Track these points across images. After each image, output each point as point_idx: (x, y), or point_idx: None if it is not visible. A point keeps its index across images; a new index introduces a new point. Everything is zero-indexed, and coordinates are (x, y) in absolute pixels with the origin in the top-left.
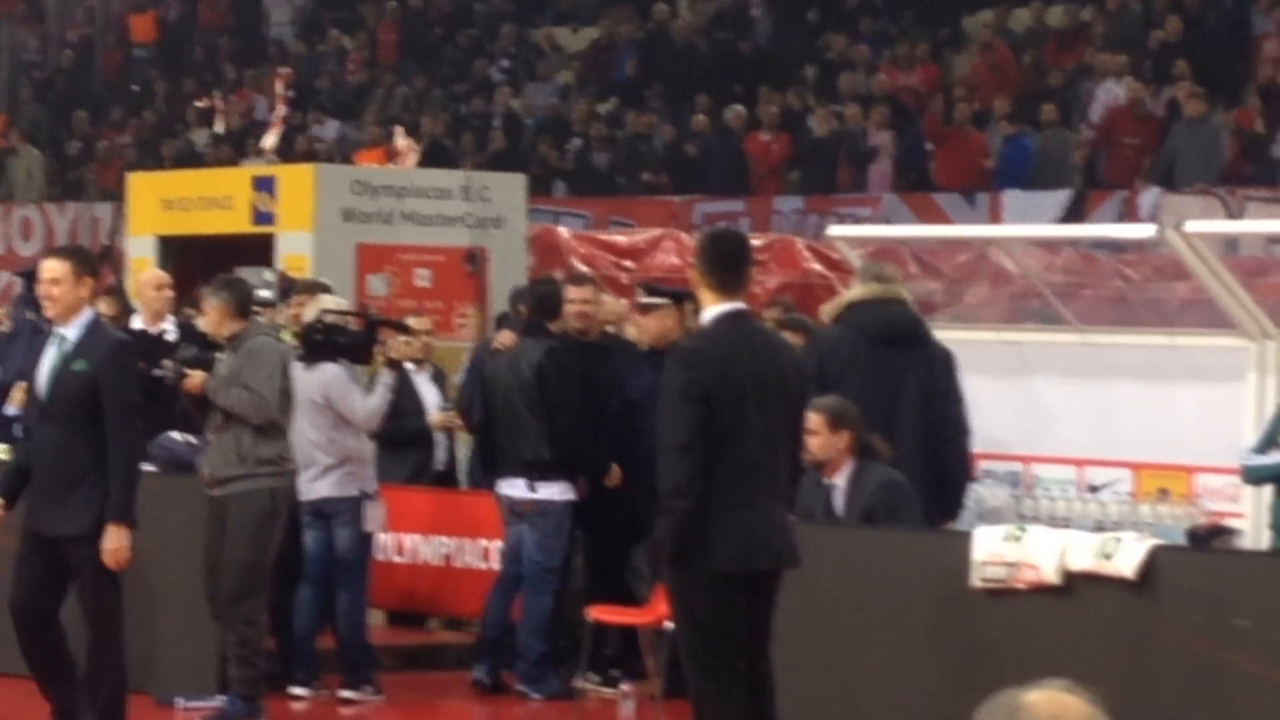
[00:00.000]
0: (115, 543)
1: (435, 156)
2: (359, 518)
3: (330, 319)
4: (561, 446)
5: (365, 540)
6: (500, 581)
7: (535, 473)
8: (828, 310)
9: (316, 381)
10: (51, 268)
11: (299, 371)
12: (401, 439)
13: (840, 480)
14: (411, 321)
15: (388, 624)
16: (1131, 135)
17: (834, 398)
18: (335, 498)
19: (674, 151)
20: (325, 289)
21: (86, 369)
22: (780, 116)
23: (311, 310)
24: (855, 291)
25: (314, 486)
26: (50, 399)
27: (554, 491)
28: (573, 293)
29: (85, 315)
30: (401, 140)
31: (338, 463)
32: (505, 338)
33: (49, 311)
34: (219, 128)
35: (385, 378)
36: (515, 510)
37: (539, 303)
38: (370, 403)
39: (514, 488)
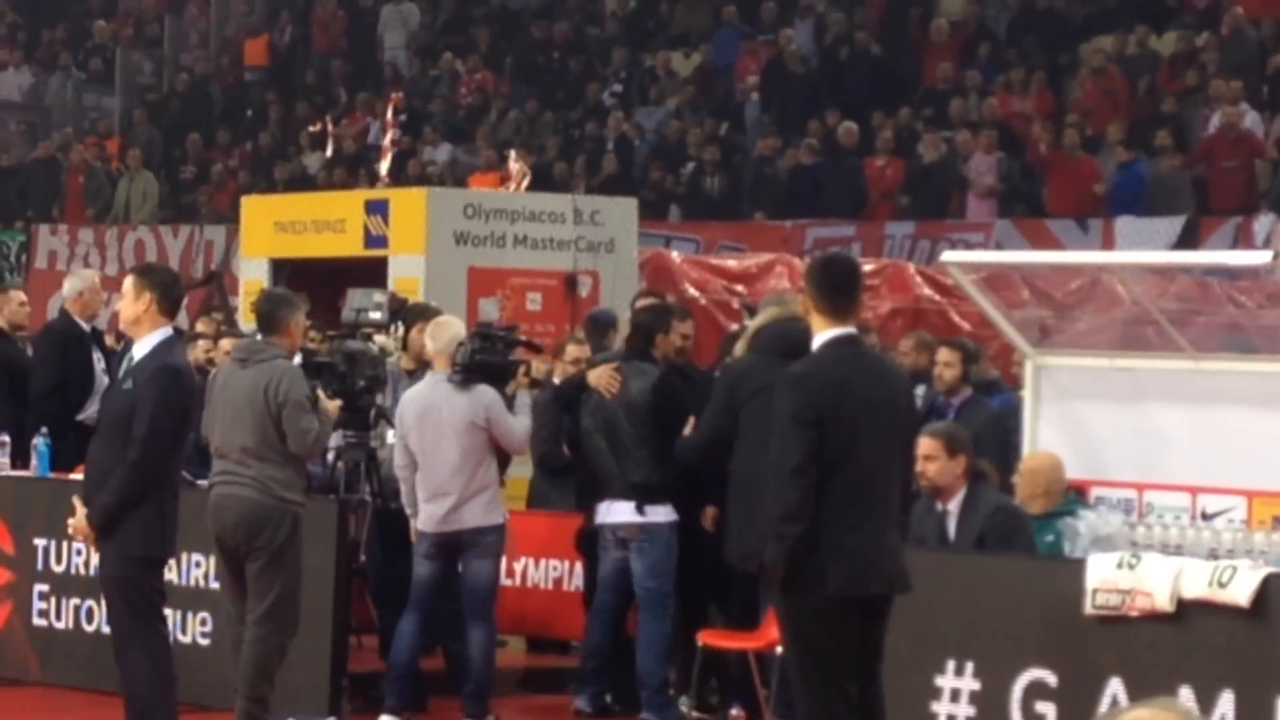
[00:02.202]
0: (80, 524)
1: (547, 180)
2: (501, 547)
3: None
4: (672, 470)
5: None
6: (598, 609)
7: (644, 496)
8: (739, 343)
9: (475, 404)
10: (128, 287)
11: (446, 394)
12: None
13: (954, 506)
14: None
15: (527, 650)
16: (1230, 159)
17: (949, 423)
18: (482, 527)
19: (789, 175)
20: (435, 313)
21: (131, 389)
22: (894, 141)
23: (458, 330)
24: (759, 319)
25: (458, 515)
26: (102, 417)
27: (661, 514)
28: (678, 325)
29: (158, 334)
30: (515, 164)
31: (481, 489)
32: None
33: (126, 330)
34: (330, 151)
35: (526, 398)
36: (618, 535)
37: (643, 329)
38: (525, 423)
39: (618, 513)
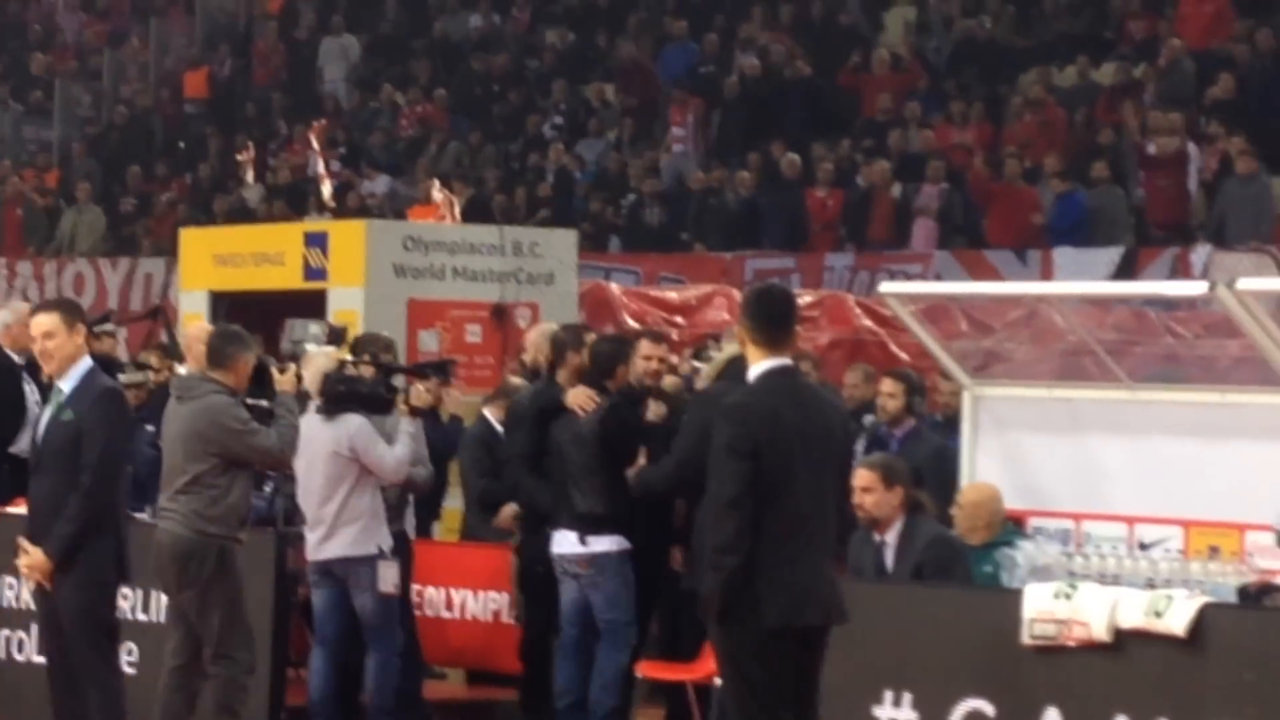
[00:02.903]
0: (35, 560)
1: (487, 213)
2: (375, 578)
3: (349, 369)
4: (622, 502)
5: (387, 601)
6: (562, 645)
7: (589, 527)
8: (708, 373)
9: (339, 434)
10: (42, 322)
11: (315, 425)
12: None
13: (891, 537)
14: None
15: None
16: (1165, 190)
17: (885, 455)
18: (351, 557)
19: (731, 207)
20: (386, 342)
21: (73, 418)
22: (835, 173)
23: (323, 362)
24: (729, 350)
25: (328, 545)
26: (43, 451)
27: (605, 544)
28: (648, 349)
29: (81, 366)
30: (438, 193)
31: (353, 519)
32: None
33: (47, 368)
34: (249, 178)
35: (408, 426)
36: (566, 568)
37: (601, 359)
38: (397, 453)
39: (562, 544)
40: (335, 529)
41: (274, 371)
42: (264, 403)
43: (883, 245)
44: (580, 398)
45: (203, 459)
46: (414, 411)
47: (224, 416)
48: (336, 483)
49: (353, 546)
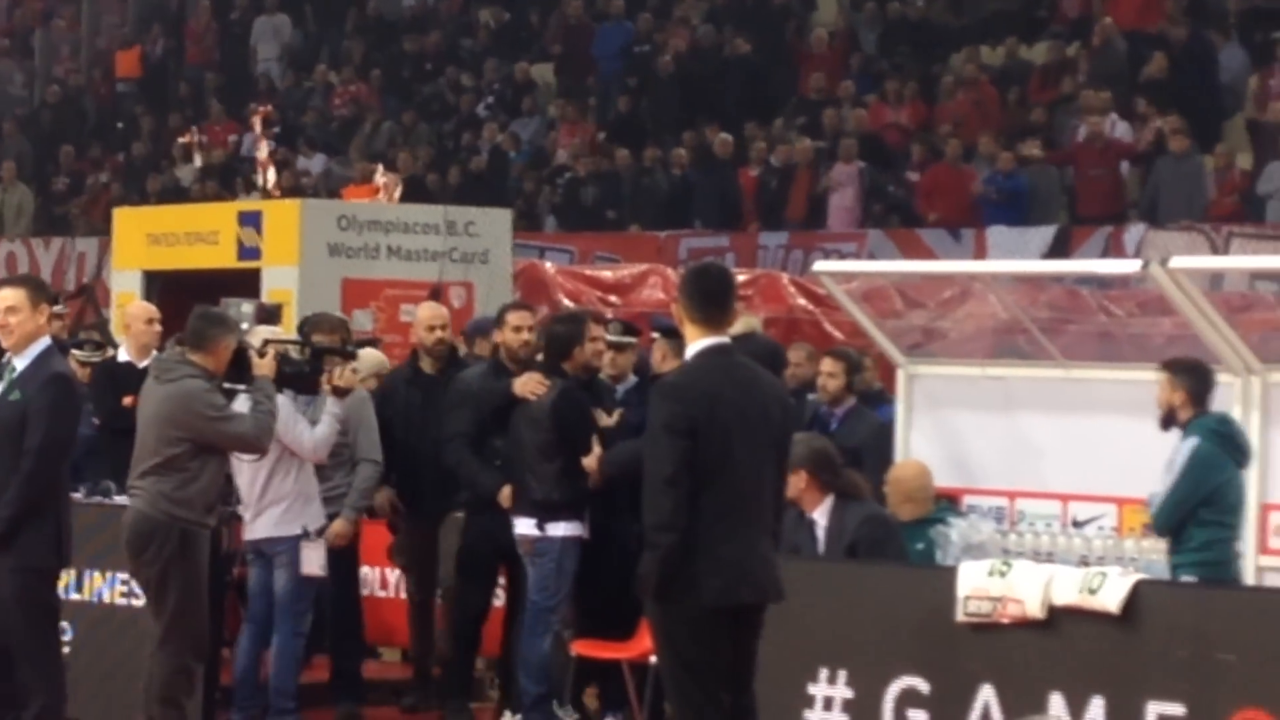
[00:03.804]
0: None
1: (421, 192)
2: (297, 559)
3: (274, 349)
4: (577, 486)
5: (304, 582)
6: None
7: (545, 513)
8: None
9: None
10: (6, 296)
11: (239, 403)
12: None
13: (820, 516)
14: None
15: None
16: (1098, 169)
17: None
18: (274, 537)
19: (663, 185)
20: (336, 321)
21: (20, 399)
22: (766, 151)
23: (253, 341)
24: (734, 326)
25: (255, 525)
26: None
27: (563, 530)
28: (598, 330)
29: (39, 345)
30: (383, 176)
31: (277, 500)
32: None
33: (6, 342)
34: (198, 162)
35: (332, 407)
36: (522, 551)
37: (557, 341)
38: (318, 433)
39: (520, 528)
40: (262, 508)
41: (253, 356)
42: (240, 387)
43: (801, 225)
44: (530, 384)
45: (174, 443)
46: (337, 392)
47: (197, 402)
48: (261, 463)
49: (277, 527)
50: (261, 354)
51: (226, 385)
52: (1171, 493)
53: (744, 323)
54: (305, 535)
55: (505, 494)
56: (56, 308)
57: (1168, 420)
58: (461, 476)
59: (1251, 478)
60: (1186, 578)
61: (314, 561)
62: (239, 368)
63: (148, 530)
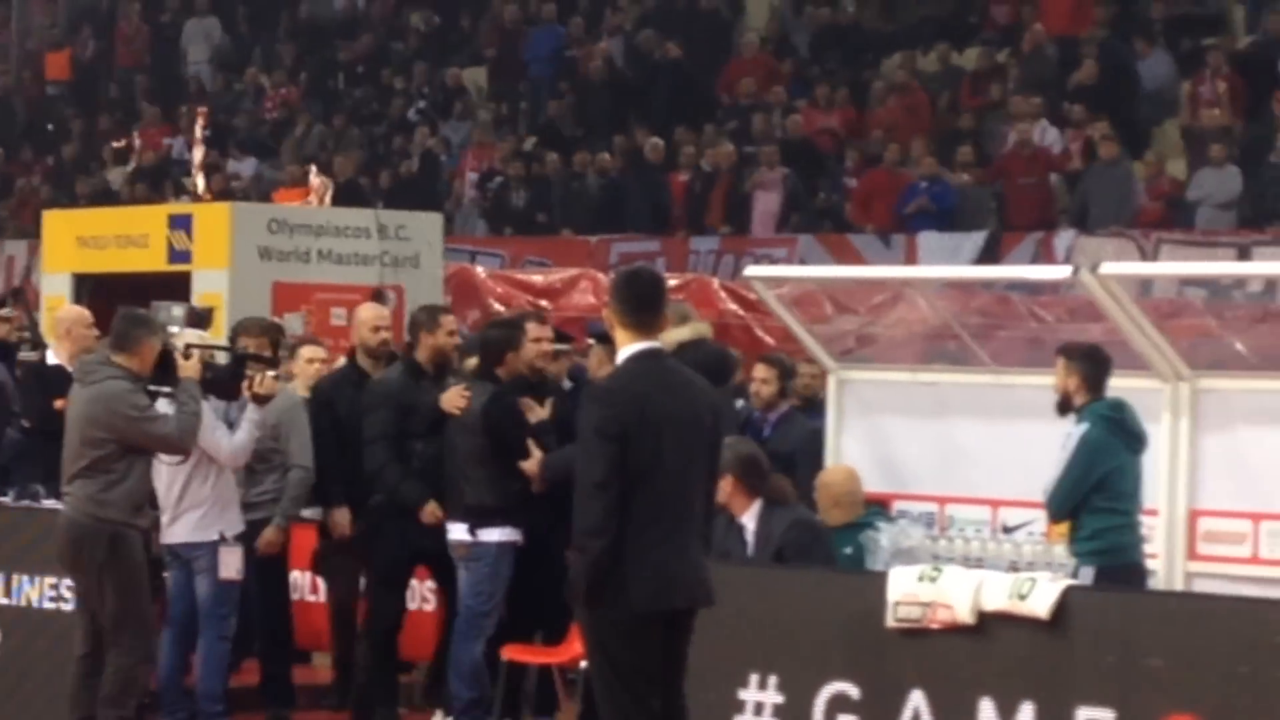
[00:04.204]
0: None
1: (352, 195)
2: (216, 563)
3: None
4: (509, 491)
5: (225, 587)
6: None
7: (477, 518)
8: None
9: None
10: None
11: (160, 407)
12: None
13: (749, 521)
14: (306, 351)
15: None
16: (1028, 175)
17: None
18: (191, 543)
19: (594, 190)
20: (272, 326)
21: None
22: (696, 156)
23: (179, 344)
24: (683, 332)
25: (172, 529)
26: None
27: (497, 535)
28: (535, 331)
29: None
30: (316, 179)
31: (195, 505)
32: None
33: None
34: (133, 163)
35: (252, 414)
36: (457, 556)
37: (492, 346)
38: (236, 439)
39: (455, 533)
40: (180, 513)
41: (178, 358)
42: (165, 389)
43: (725, 230)
44: (452, 399)
45: (99, 445)
46: (257, 399)
47: (120, 403)
48: (179, 467)
49: (195, 532)
50: (186, 356)
51: (151, 387)
52: (1062, 479)
53: (693, 329)
54: (222, 541)
55: (430, 510)
56: (3, 310)
57: (1064, 405)
58: (381, 482)
59: (1180, 484)
60: (1085, 568)
61: (232, 566)
62: (164, 370)
63: (77, 536)
